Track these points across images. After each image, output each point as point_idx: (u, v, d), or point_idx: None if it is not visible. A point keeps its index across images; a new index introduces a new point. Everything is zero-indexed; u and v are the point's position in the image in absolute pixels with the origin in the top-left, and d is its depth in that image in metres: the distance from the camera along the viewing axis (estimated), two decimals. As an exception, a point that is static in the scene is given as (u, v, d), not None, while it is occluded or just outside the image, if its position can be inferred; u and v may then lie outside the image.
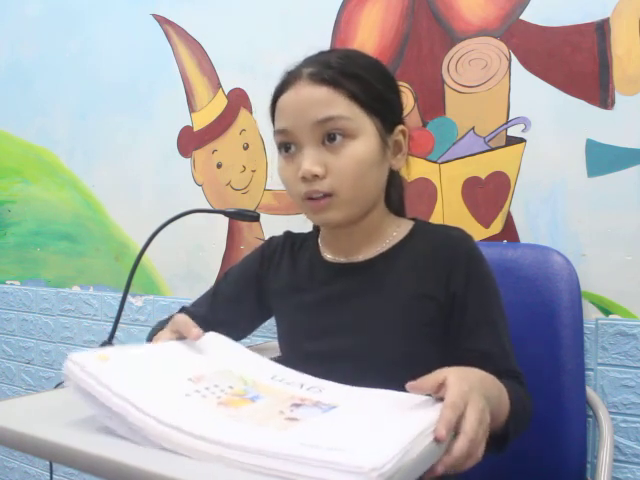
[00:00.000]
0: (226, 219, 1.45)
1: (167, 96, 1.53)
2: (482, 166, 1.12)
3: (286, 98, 0.75)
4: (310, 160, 0.72)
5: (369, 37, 1.23)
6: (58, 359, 1.78)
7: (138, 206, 1.60)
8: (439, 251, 0.77)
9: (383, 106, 0.75)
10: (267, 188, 1.39)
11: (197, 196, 1.49)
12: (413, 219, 0.85)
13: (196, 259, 1.50)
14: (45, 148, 1.79)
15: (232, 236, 1.45)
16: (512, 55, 1.09)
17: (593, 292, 1.03)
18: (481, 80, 1.11)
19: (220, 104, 1.44)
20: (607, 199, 1.02)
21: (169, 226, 0.93)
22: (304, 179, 0.72)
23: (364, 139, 0.73)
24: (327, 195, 0.73)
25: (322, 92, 0.72)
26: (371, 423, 0.51)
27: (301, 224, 1.34)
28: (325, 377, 0.62)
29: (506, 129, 1.10)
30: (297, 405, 0.54)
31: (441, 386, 0.54)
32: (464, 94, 1.12)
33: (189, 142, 1.50)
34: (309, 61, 0.76)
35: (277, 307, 0.89)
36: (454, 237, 0.78)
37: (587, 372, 1.00)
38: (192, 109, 1.49)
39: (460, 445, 0.50)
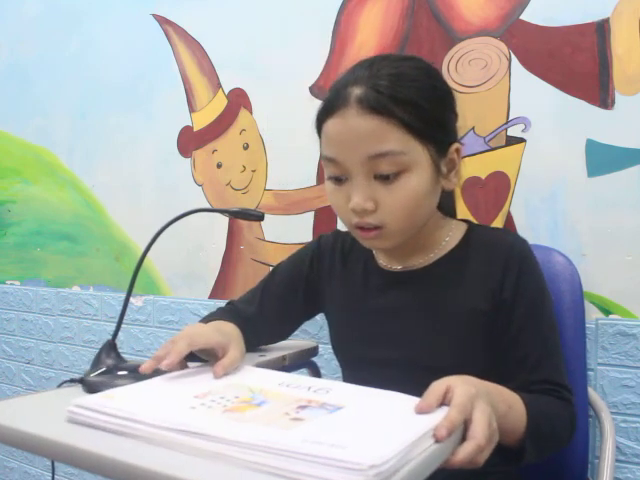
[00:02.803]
0: (226, 219, 1.45)
1: (167, 96, 1.53)
2: (482, 166, 1.12)
3: (334, 126, 0.70)
4: (361, 195, 0.70)
5: (369, 37, 1.23)
6: (58, 359, 1.78)
7: (138, 206, 1.60)
8: (493, 259, 0.76)
9: (437, 130, 0.71)
10: (267, 188, 1.39)
11: (197, 196, 1.48)
12: (466, 221, 0.84)
13: (196, 259, 1.50)
14: (45, 148, 1.79)
15: (232, 236, 1.45)
16: (512, 55, 1.09)
17: (593, 292, 1.03)
18: (481, 80, 1.11)
19: (220, 104, 1.44)
20: (607, 199, 1.02)
21: (170, 226, 0.93)
22: (354, 211, 0.71)
23: (417, 171, 0.70)
24: (377, 227, 0.72)
25: (373, 125, 0.67)
26: (376, 423, 0.51)
27: (300, 224, 1.34)
28: (379, 384, 0.61)
29: (506, 129, 1.10)
30: (303, 407, 0.54)
31: (446, 394, 0.53)
32: (464, 94, 1.12)
33: (189, 142, 1.50)
34: (357, 77, 0.70)
35: (330, 310, 0.90)
36: (508, 242, 0.77)
37: (587, 372, 1.00)
38: (192, 109, 1.49)
39: (468, 450, 0.49)
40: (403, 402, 0.56)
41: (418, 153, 0.70)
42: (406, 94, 0.68)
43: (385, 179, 0.69)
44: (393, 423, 0.51)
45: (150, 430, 0.49)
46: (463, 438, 0.51)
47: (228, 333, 0.74)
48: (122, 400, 0.56)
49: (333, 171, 0.73)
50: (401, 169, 0.69)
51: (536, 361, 0.73)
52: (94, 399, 0.55)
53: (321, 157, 0.75)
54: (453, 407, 0.50)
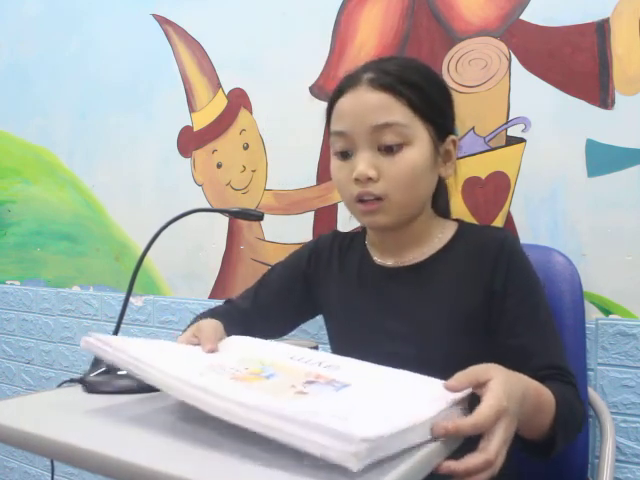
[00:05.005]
0: (226, 219, 1.45)
1: (167, 96, 1.53)
2: (482, 166, 1.12)
3: (345, 102, 0.76)
4: (365, 163, 0.74)
5: (369, 37, 1.23)
6: (58, 359, 1.78)
7: (138, 206, 1.60)
8: (483, 253, 0.78)
9: (438, 115, 0.77)
10: (267, 188, 1.39)
11: (197, 196, 1.49)
12: (457, 220, 0.86)
13: (196, 259, 1.50)
14: (45, 148, 1.79)
15: (232, 236, 1.45)
16: (512, 55, 1.09)
17: (593, 292, 1.03)
18: (481, 80, 1.11)
19: (220, 104, 1.44)
20: (607, 199, 1.02)
21: (169, 226, 0.93)
22: (357, 181, 0.74)
23: (418, 146, 0.75)
24: (378, 199, 0.74)
25: (381, 98, 0.73)
26: (378, 405, 0.51)
27: (300, 224, 1.34)
28: None
29: (506, 129, 1.10)
30: (311, 382, 0.54)
31: (482, 386, 0.53)
32: (464, 94, 1.12)
33: (189, 142, 1.50)
34: (368, 67, 0.77)
35: (327, 308, 0.91)
36: (498, 238, 0.79)
37: (587, 372, 1.00)
38: (192, 109, 1.49)
39: (475, 462, 0.48)
40: (413, 382, 0.56)
41: (420, 131, 0.75)
42: (412, 78, 0.75)
43: (388, 151, 0.74)
44: (395, 406, 0.50)
45: (154, 373, 0.52)
46: (474, 442, 0.50)
47: (199, 324, 0.73)
48: (136, 343, 0.60)
49: (340, 145, 0.77)
50: (403, 141, 0.74)
51: (537, 347, 0.73)
52: (108, 337, 0.58)
53: (330, 135, 0.79)
54: (473, 417, 0.49)
